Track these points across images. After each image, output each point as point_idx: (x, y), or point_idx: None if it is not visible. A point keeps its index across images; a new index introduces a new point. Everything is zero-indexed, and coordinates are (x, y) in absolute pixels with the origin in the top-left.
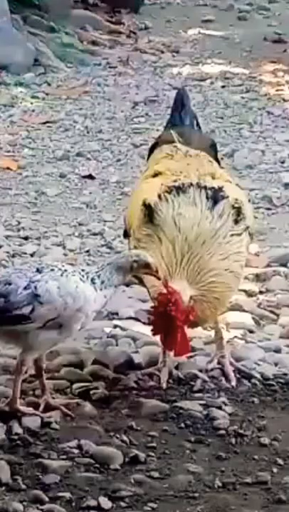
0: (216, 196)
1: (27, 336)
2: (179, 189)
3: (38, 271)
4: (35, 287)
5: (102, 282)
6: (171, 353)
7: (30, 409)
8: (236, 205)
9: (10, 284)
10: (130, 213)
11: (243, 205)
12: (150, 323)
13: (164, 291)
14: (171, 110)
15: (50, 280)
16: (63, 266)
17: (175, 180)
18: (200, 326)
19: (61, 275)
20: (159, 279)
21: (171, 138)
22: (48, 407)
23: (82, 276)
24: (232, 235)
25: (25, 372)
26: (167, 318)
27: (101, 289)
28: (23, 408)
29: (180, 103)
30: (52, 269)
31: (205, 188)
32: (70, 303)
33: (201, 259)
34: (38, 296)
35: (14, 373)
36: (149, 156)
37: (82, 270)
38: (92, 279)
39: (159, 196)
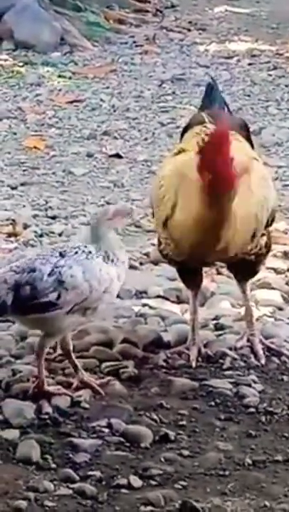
0: None
1: (53, 321)
2: None
3: (61, 255)
4: (60, 273)
5: (114, 254)
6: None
7: (60, 389)
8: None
9: (34, 271)
10: (153, 194)
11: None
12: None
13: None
14: (202, 98)
15: (74, 265)
16: (86, 247)
17: None
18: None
19: (86, 258)
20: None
21: (202, 119)
22: (81, 386)
23: (104, 256)
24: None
25: (54, 351)
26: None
27: (117, 262)
28: (52, 388)
29: (210, 90)
30: (76, 252)
31: None
32: (95, 286)
33: None
34: (63, 282)
35: (36, 357)
36: (181, 138)
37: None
38: (105, 257)
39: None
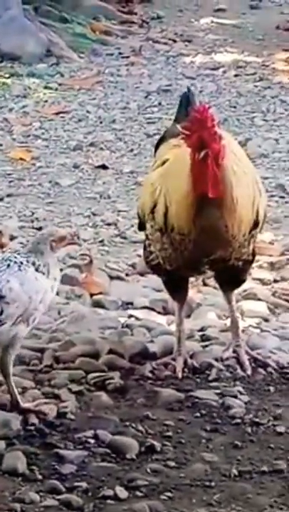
0: None
1: (2, 335)
2: None
3: None
4: None
5: (46, 268)
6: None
7: (38, 404)
8: None
9: None
10: (142, 202)
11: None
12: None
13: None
14: (177, 109)
15: (11, 277)
16: (15, 257)
17: None
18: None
19: (19, 269)
20: (79, 245)
21: (177, 131)
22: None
23: (36, 266)
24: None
25: (41, 363)
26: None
27: (48, 276)
28: (28, 405)
29: (185, 101)
30: (8, 265)
31: None
32: (33, 297)
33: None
34: (3, 296)
35: (4, 377)
36: (155, 151)
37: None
38: (37, 268)
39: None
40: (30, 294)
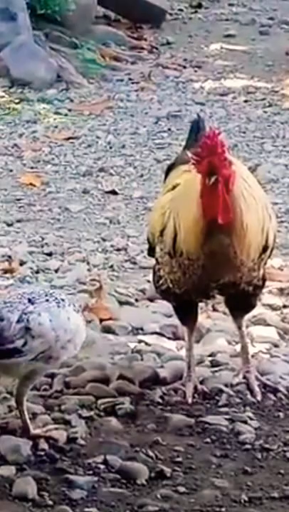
0: None
1: (18, 367)
2: None
3: (30, 301)
4: (27, 320)
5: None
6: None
7: (48, 430)
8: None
9: (2, 319)
10: (152, 224)
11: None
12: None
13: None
14: (187, 135)
15: (42, 312)
16: (60, 294)
17: None
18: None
19: (57, 306)
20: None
21: (187, 158)
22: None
23: (76, 306)
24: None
25: (51, 388)
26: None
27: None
28: (38, 431)
29: (196, 127)
30: (47, 299)
31: None
32: (61, 335)
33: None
34: (30, 329)
35: (17, 404)
36: (165, 178)
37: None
38: (77, 309)
39: None
40: (59, 332)
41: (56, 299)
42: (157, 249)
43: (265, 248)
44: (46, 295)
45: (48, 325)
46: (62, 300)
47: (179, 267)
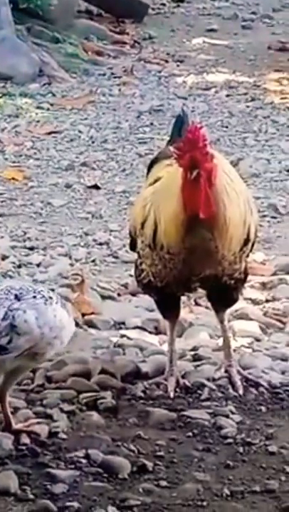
0: None
1: (3, 364)
2: None
3: (17, 298)
4: (13, 317)
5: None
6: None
7: (30, 425)
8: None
9: None
10: (134, 217)
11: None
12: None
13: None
14: (171, 130)
15: (28, 309)
16: (49, 292)
17: None
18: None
19: (44, 303)
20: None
21: (169, 153)
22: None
23: (63, 302)
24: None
25: (33, 382)
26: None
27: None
28: (20, 426)
29: (179, 122)
30: (34, 296)
31: None
32: (47, 333)
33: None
34: (16, 326)
35: (0, 401)
36: (148, 172)
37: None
38: (63, 303)
39: None
40: (44, 330)
41: (44, 296)
42: (138, 241)
43: (246, 241)
44: (34, 292)
45: (33, 322)
46: (50, 298)
47: (160, 259)
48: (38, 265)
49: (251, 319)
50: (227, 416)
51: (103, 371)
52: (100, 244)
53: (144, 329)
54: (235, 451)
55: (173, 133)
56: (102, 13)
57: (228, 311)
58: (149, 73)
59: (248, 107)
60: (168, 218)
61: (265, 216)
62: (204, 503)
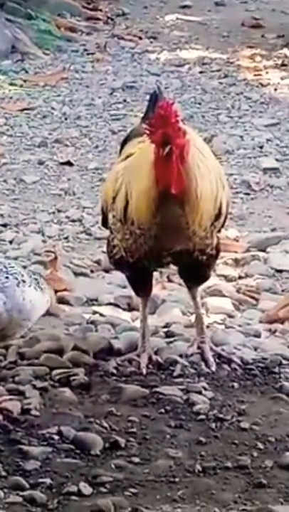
0: None
1: None
2: None
3: None
4: None
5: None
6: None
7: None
8: None
9: None
10: (105, 192)
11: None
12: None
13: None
14: (146, 108)
15: None
16: (22, 274)
17: None
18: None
19: (17, 286)
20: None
21: (142, 130)
22: None
23: (35, 283)
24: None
25: (5, 359)
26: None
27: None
28: None
29: (154, 99)
30: (6, 277)
31: None
32: (15, 316)
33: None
34: None
35: None
36: (121, 150)
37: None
38: (37, 284)
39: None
40: (12, 313)
41: (16, 278)
42: (110, 216)
43: (217, 216)
44: (7, 273)
45: (1, 306)
46: (24, 281)
47: (131, 234)
48: (11, 242)
49: (224, 296)
50: (199, 392)
51: (76, 348)
52: (73, 221)
53: (117, 306)
54: (208, 428)
55: (147, 110)
56: None
57: (201, 287)
58: (123, 50)
59: (221, 83)
60: (139, 193)
61: (238, 193)
62: (176, 479)
